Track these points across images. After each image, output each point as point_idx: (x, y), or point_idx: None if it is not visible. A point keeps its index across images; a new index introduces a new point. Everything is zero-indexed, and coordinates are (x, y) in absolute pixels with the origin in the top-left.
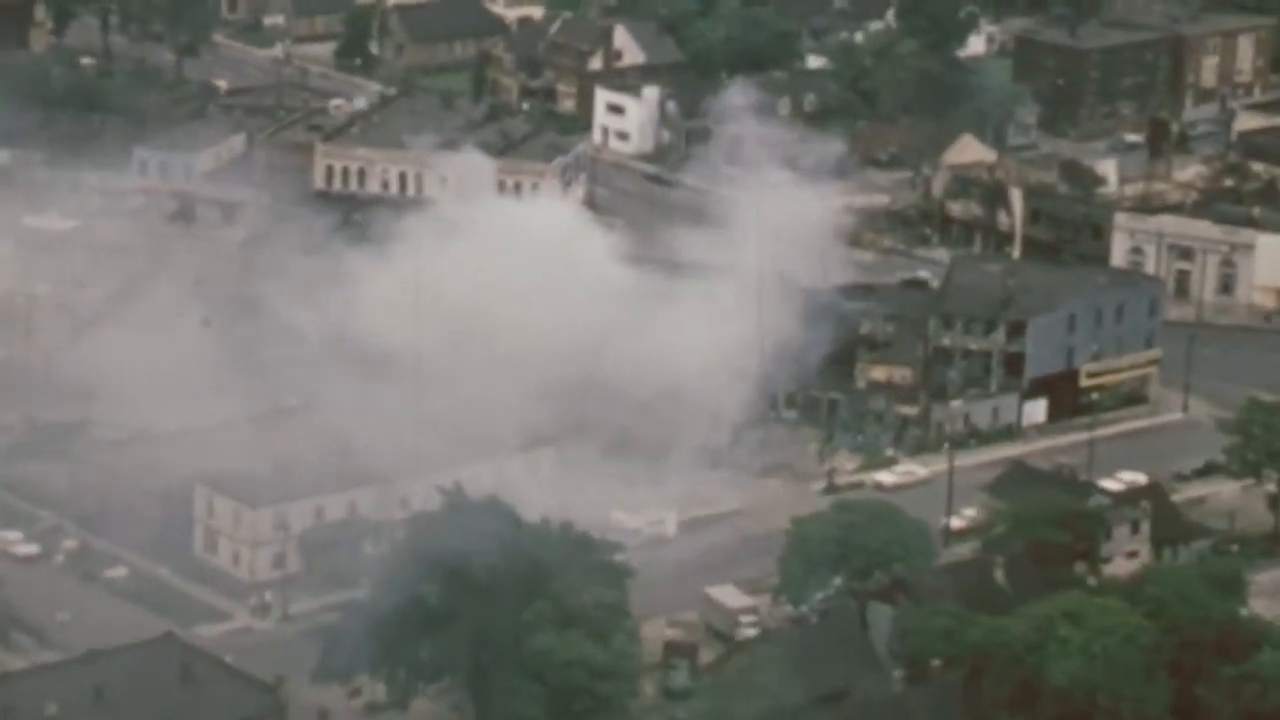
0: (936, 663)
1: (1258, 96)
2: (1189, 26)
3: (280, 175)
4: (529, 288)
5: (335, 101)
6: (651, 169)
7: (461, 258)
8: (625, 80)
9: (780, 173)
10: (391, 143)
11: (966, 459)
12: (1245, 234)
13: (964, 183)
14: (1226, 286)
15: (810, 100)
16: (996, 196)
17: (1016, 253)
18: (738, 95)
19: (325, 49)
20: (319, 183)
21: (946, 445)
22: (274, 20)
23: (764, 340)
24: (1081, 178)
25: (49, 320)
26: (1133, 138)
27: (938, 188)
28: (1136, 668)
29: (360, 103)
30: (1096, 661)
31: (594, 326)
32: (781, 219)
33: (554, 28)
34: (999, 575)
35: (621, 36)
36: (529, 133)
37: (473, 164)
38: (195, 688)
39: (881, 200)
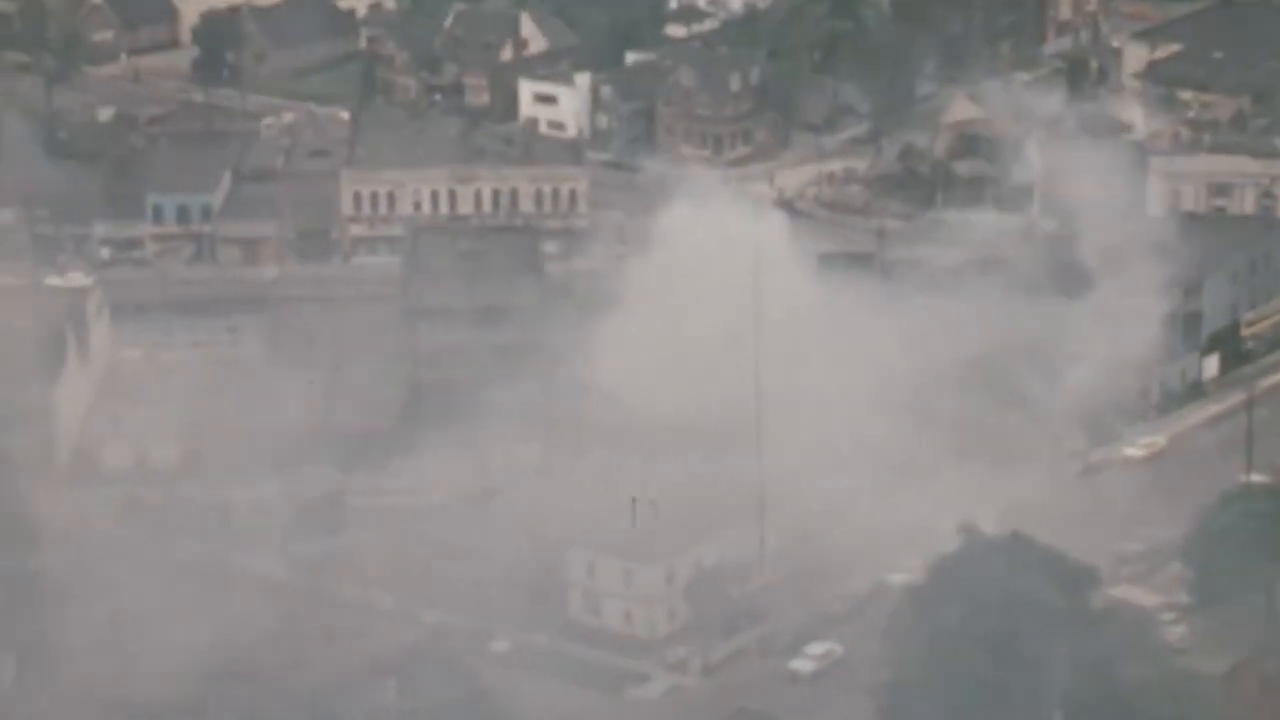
0: None
1: (1102, 26)
2: None
3: (299, 208)
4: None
5: (266, 121)
6: (603, 157)
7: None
8: (539, 68)
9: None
10: (413, 162)
11: (1179, 423)
12: None
13: (970, 140)
14: (1265, 217)
15: (755, 73)
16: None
17: (1036, 206)
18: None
19: (165, 60)
20: (348, 210)
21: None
22: (103, 36)
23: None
24: (1107, 125)
25: None
26: (1025, 76)
27: (940, 148)
28: None
29: (288, 120)
30: None
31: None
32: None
33: (448, 21)
34: None
35: (526, 25)
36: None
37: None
38: None
39: (858, 165)
